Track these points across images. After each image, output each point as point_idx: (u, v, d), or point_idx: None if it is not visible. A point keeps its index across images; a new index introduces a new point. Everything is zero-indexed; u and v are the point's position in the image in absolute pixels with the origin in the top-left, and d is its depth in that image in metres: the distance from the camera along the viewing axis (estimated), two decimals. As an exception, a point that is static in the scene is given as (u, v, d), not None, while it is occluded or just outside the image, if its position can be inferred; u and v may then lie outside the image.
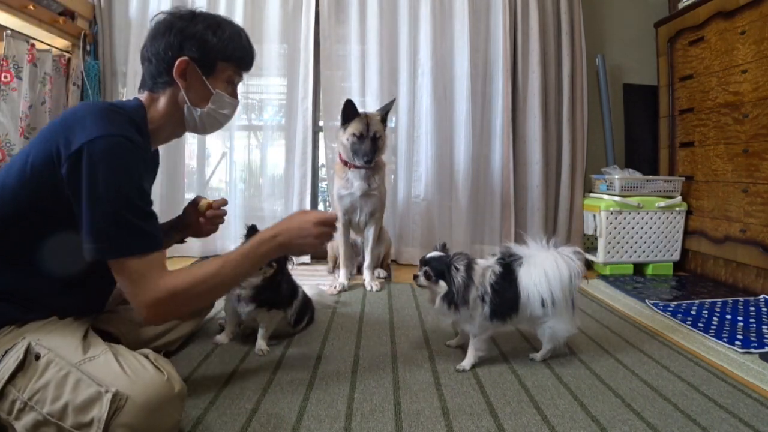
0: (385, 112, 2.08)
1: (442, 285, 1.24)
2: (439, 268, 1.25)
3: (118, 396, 0.77)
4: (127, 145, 0.88)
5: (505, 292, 1.24)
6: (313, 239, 1.04)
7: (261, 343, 1.36)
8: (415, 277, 1.28)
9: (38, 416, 0.78)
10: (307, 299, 1.57)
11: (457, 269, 1.22)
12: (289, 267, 1.39)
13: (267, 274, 1.30)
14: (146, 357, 0.89)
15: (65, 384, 0.80)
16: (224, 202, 1.29)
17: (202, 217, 1.27)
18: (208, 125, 1.10)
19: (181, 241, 1.33)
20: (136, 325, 1.15)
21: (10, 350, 0.84)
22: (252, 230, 1.29)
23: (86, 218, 0.84)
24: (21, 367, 0.82)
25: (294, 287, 1.48)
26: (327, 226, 1.06)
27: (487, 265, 1.27)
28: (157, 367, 0.86)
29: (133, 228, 0.87)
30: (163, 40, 1.00)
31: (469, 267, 1.23)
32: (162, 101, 1.04)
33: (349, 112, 2.03)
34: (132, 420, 0.78)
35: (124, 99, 1.77)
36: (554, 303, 1.23)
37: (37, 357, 0.83)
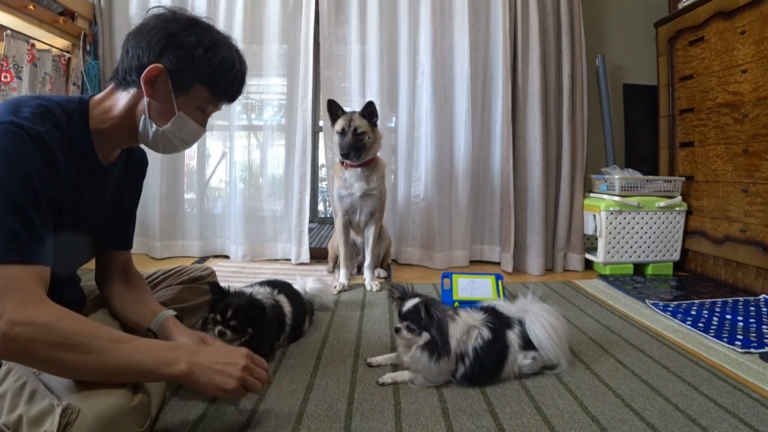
0: (368, 112, 2.04)
1: (425, 336, 1.15)
2: (419, 320, 1.15)
3: (69, 410, 0.72)
4: (15, 132, 0.76)
5: (489, 359, 1.16)
6: (232, 374, 0.84)
7: None
8: (398, 330, 1.18)
9: None
10: (299, 319, 1.47)
11: (438, 319, 1.14)
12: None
13: (243, 340, 1.21)
14: None
15: (21, 394, 0.76)
16: None
17: None
18: (161, 145, 0.97)
19: None
20: (125, 329, 1.08)
21: None
22: (215, 288, 1.24)
23: None
24: None
25: (281, 322, 1.37)
26: (256, 365, 0.89)
27: (471, 324, 1.18)
28: None
29: (14, 233, 0.73)
30: (146, 38, 0.89)
31: (448, 318, 1.16)
32: (122, 100, 0.93)
33: (334, 111, 2.07)
34: None
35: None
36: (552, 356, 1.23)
37: None
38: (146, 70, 0.88)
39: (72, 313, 0.77)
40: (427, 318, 1.14)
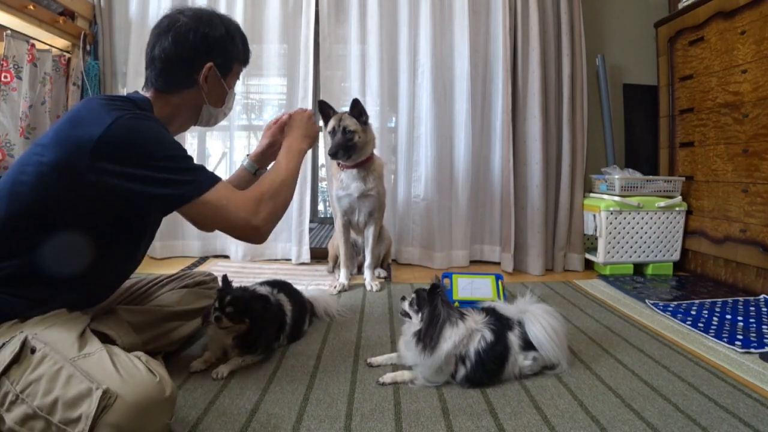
0: (356, 111, 2.00)
1: (419, 320, 1.18)
2: (423, 303, 1.19)
3: (108, 394, 0.77)
4: (147, 117, 0.96)
5: (490, 361, 1.16)
6: (314, 128, 1.31)
7: (224, 368, 1.22)
8: (403, 298, 1.25)
9: (28, 409, 0.78)
10: (299, 318, 1.48)
11: (436, 309, 1.16)
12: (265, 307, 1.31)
13: (240, 330, 1.23)
14: (139, 359, 0.89)
15: (57, 378, 0.79)
16: None
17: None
18: (217, 121, 1.21)
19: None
20: (133, 328, 1.14)
21: (7, 342, 0.84)
22: (225, 279, 1.33)
23: (151, 180, 0.91)
24: (16, 359, 0.82)
25: (281, 322, 1.38)
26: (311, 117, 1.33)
27: (474, 328, 1.18)
28: (150, 369, 0.86)
29: (197, 168, 0.98)
30: (187, 45, 1.04)
31: (449, 322, 1.16)
32: (175, 102, 1.09)
33: (326, 111, 2.06)
34: (120, 419, 0.77)
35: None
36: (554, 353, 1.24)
37: (33, 350, 0.83)
38: (203, 71, 1.07)
39: (255, 185, 1.09)
40: (426, 299, 1.18)
